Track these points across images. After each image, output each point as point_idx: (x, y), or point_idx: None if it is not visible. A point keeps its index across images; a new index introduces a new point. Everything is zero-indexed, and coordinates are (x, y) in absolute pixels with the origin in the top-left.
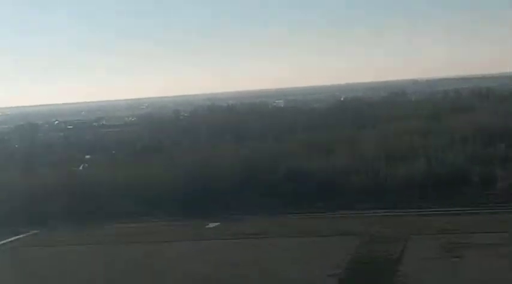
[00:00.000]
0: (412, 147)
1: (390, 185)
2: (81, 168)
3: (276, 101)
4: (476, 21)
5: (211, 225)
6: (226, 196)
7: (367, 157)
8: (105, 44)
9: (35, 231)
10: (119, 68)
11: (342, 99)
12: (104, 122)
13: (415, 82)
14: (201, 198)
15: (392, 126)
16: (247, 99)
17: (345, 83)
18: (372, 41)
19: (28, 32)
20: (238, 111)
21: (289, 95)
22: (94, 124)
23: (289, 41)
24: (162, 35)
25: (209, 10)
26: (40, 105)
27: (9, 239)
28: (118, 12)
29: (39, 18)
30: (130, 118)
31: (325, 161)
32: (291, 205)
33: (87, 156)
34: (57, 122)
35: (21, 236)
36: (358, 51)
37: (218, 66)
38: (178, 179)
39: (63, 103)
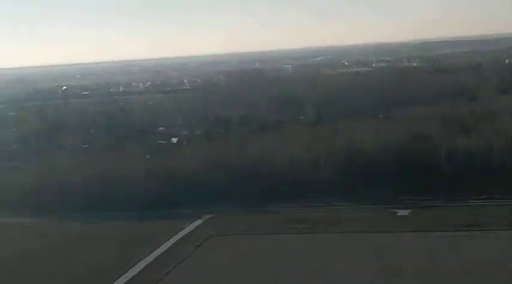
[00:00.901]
0: None
1: None
2: (172, 141)
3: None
4: None
5: (402, 213)
6: (390, 179)
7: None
8: None
9: (210, 215)
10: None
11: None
12: (122, 89)
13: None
14: (364, 180)
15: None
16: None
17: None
18: None
19: None
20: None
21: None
22: (111, 90)
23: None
24: None
25: None
26: (18, 68)
27: (191, 227)
28: None
29: None
30: (143, 85)
31: (474, 140)
32: (465, 189)
33: (161, 128)
34: (65, 88)
35: (199, 222)
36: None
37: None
38: (317, 160)
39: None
